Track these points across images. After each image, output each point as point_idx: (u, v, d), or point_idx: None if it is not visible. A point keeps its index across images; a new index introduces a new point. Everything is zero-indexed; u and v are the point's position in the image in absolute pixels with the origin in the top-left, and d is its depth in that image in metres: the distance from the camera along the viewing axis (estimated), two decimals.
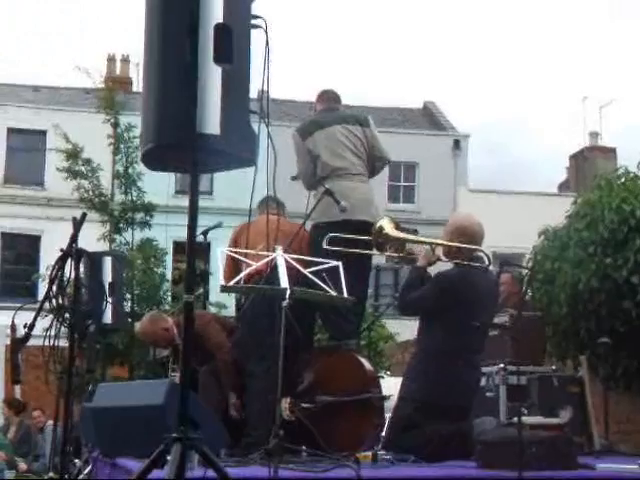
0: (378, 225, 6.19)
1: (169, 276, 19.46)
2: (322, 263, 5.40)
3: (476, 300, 5.82)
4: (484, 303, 5.94)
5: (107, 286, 8.39)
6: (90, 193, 17.86)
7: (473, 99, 65.37)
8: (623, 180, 8.28)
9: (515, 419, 4.85)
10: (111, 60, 34.07)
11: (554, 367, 7.80)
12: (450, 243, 5.99)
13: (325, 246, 6.08)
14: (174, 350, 7.26)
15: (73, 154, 17.83)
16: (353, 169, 6.65)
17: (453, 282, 5.91)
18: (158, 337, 7.20)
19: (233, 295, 6.92)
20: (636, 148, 8.44)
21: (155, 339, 7.36)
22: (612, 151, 32.56)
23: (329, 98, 7.01)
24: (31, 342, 5.45)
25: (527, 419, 5.61)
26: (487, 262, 6.00)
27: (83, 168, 17.79)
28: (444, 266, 6.23)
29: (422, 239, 6.25)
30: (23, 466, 12.82)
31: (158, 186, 18.65)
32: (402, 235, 6.25)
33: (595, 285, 7.63)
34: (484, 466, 4.89)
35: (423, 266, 6.09)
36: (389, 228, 6.17)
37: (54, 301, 5.34)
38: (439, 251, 6.09)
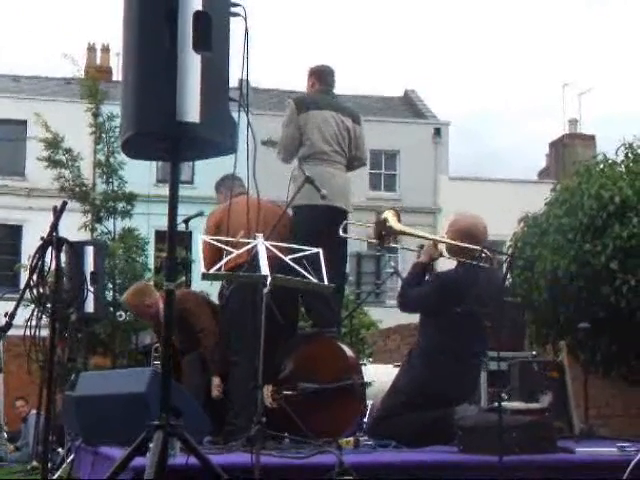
0: (383, 217, 6.17)
1: (151, 265, 19.43)
2: (303, 250, 5.41)
3: (478, 299, 5.77)
4: (486, 302, 5.88)
5: (89, 275, 8.40)
6: (71, 182, 17.81)
7: (453, 87, 65.49)
8: (602, 167, 8.30)
9: (496, 404, 4.88)
10: (91, 49, 33.93)
11: (534, 353, 7.84)
12: (453, 242, 5.91)
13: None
14: (158, 326, 7.22)
15: (53, 143, 17.76)
16: (335, 157, 6.70)
17: (458, 283, 5.82)
18: (140, 311, 7.19)
19: (215, 283, 6.93)
20: (615, 135, 8.47)
21: (137, 312, 7.35)
22: (591, 138, 32.72)
23: (329, 81, 7.03)
24: (13, 332, 5.45)
25: (507, 404, 5.63)
26: (489, 262, 5.91)
27: (64, 157, 17.74)
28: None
29: (426, 235, 6.21)
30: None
31: (140, 175, 18.62)
32: (406, 229, 6.24)
33: (574, 271, 7.66)
34: (465, 451, 4.92)
35: (425, 262, 6.01)
36: (393, 221, 6.15)
37: (35, 290, 5.33)
38: (442, 247, 6.04)
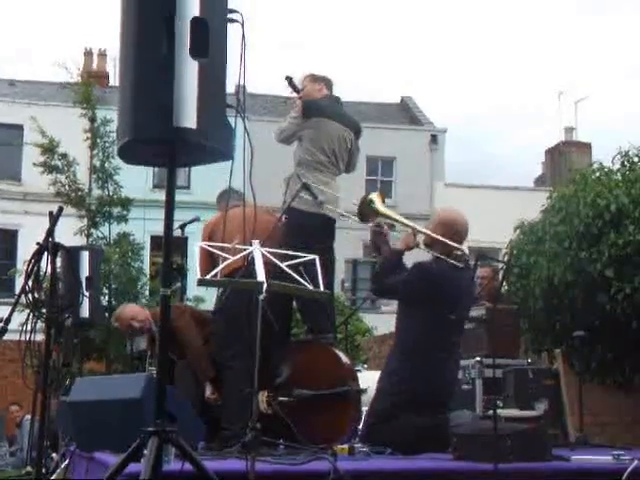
0: (369, 197, 6.22)
1: (147, 270, 19.41)
2: (299, 257, 5.41)
3: (456, 296, 5.81)
4: (462, 300, 5.93)
5: (84, 280, 8.38)
6: (66, 188, 17.80)
7: (450, 94, 65.54)
8: (598, 175, 8.32)
9: (491, 412, 4.88)
10: (88, 54, 33.92)
11: (530, 360, 7.85)
12: (433, 234, 5.96)
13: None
14: (151, 340, 7.25)
15: (49, 148, 17.76)
16: (330, 167, 6.75)
17: (437, 275, 5.86)
18: (134, 320, 7.18)
19: (211, 289, 6.93)
20: (611, 143, 8.47)
21: (130, 323, 7.34)
22: (587, 146, 32.72)
23: (331, 88, 7.07)
24: (8, 337, 5.44)
25: (502, 412, 5.63)
26: (466, 261, 5.94)
27: (59, 163, 17.73)
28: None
29: (407, 222, 6.23)
30: None
31: (136, 180, 18.59)
32: (390, 212, 6.28)
33: (570, 279, 7.67)
34: (460, 458, 4.92)
35: (402, 250, 6.07)
36: (378, 202, 6.19)
37: (30, 295, 5.33)
38: (420, 238, 6.07)
